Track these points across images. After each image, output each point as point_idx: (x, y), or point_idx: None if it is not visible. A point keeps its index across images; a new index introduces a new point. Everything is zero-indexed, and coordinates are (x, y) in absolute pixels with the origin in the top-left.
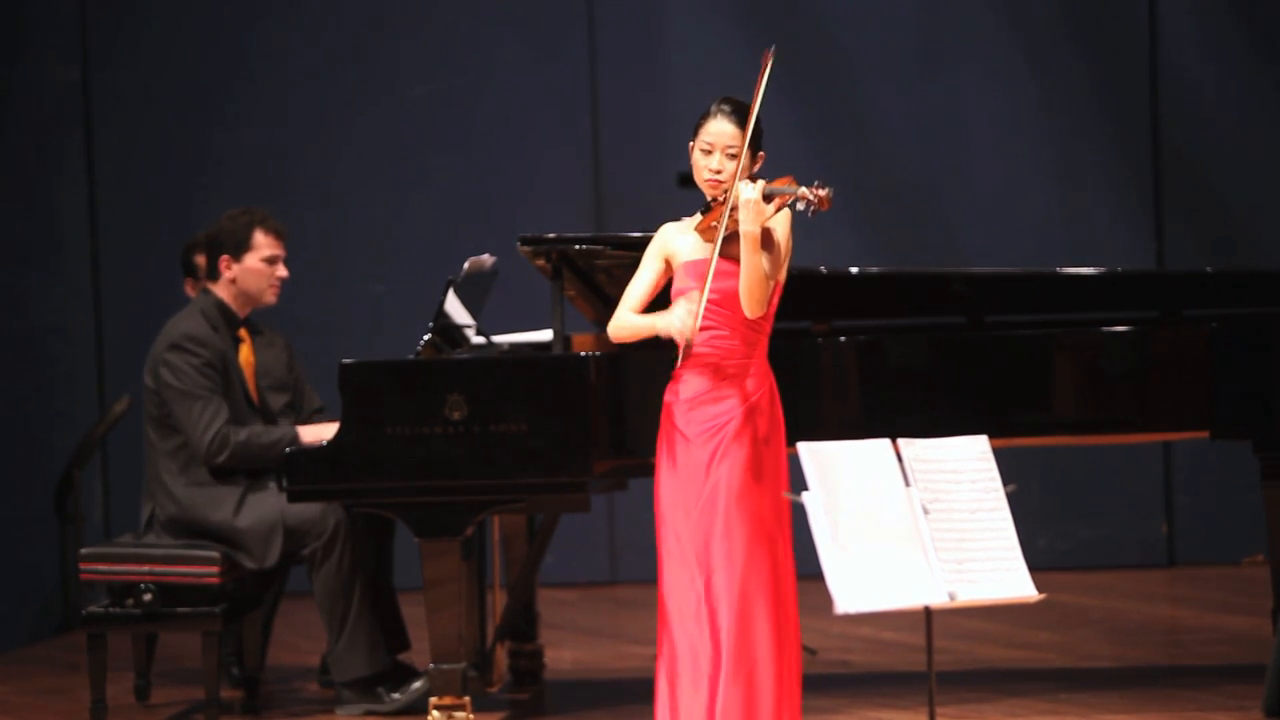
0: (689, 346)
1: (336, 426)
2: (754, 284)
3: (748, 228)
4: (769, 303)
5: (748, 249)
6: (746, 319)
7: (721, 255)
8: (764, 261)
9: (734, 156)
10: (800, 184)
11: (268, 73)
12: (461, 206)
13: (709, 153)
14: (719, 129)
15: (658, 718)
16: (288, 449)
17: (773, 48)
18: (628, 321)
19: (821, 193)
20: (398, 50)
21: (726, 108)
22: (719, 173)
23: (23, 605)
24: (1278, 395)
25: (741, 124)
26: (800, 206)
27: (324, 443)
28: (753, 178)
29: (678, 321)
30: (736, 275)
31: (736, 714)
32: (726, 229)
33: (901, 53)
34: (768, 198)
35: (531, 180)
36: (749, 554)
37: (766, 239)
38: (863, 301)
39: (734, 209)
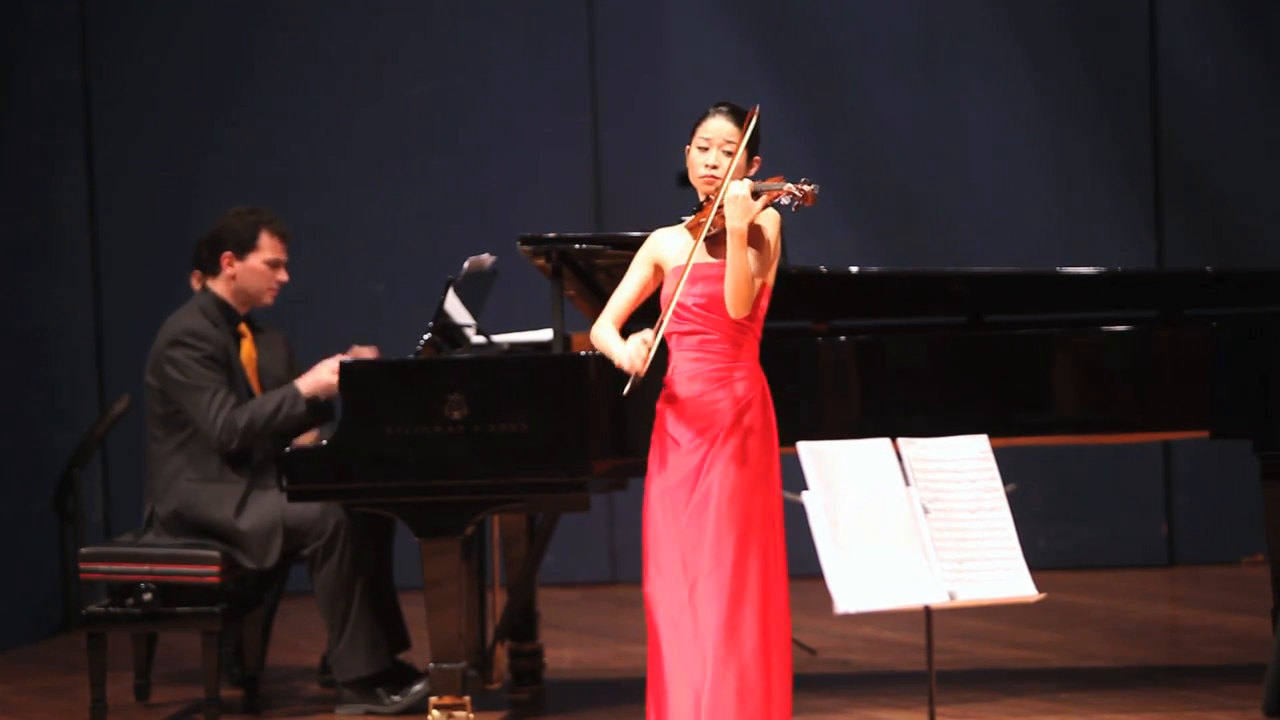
0: (637, 379)
1: (332, 364)
2: (740, 282)
3: (734, 224)
4: (756, 304)
5: (734, 245)
6: (734, 321)
7: (710, 257)
8: (751, 260)
9: (730, 154)
10: (788, 182)
11: (267, 72)
12: (461, 206)
13: (705, 149)
14: (717, 126)
15: None
16: (292, 410)
17: (757, 107)
18: (599, 335)
19: (807, 188)
20: (397, 49)
21: (724, 108)
22: (715, 168)
23: (23, 605)
24: (1278, 395)
25: (739, 123)
26: (785, 201)
27: (322, 388)
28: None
29: (628, 355)
30: (723, 278)
31: (725, 717)
32: (714, 226)
33: (901, 52)
34: (755, 195)
35: (531, 180)
36: (738, 557)
37: (756, 238)
38: (863, 301)
39: (722, 206)
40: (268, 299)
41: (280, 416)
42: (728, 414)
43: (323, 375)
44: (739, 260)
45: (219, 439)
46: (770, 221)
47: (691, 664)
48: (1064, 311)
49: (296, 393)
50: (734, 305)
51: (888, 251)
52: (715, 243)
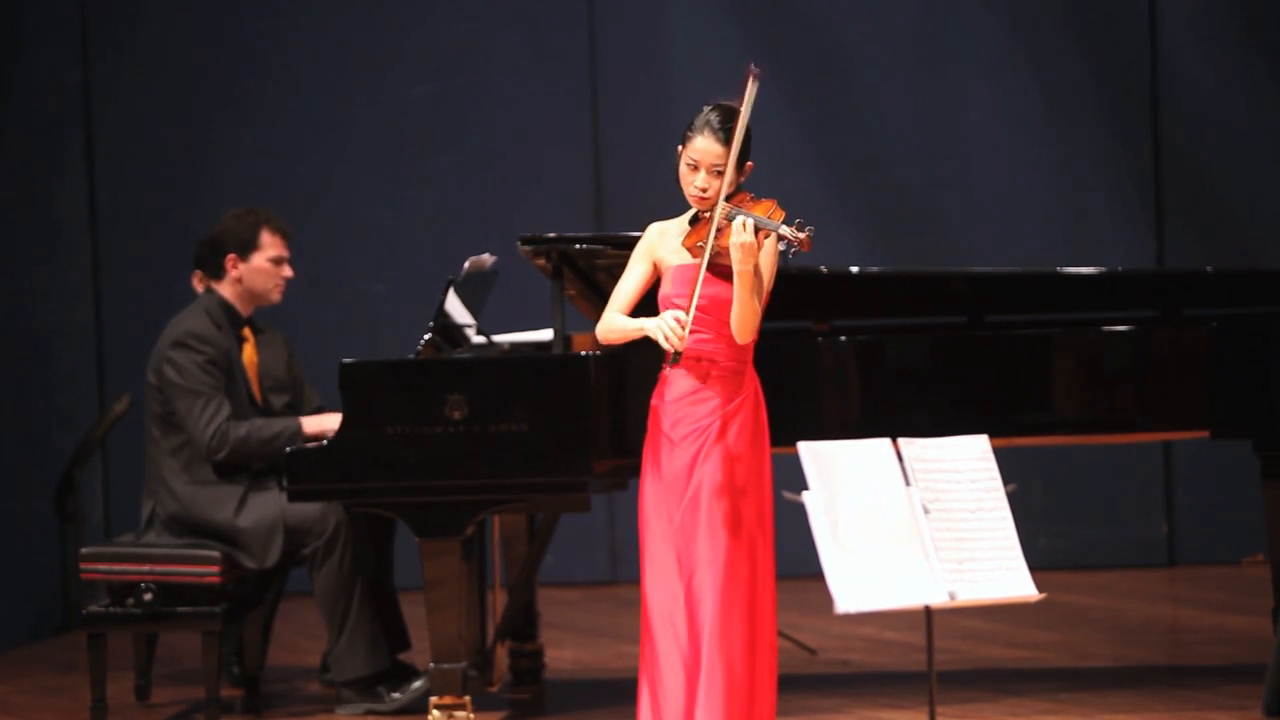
0: (678, 355)
1: (339, 417)
2: (746, 318)
3: (742, 268)
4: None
5: (741, 288)
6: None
7: (708, 265)
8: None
9: (720, 174)
10: (784, 214)
11: (267, 72)
12: (461, 206)
13: (695, 169)
14: (705, 147)
15: (639, 718)
16: (288, 444)
17: (753, 66)
18: (616, 323)
19: (802, 235)
20: (397, 49)
21: (715, 120)
22: (705, 190)
23: (23, 605)
24: (1278, 395)
25: (728, 142)
26: (781, 246)
27: (327, 434)
28: (738, 189)
29: (667, 327)
30: (723, 283)
31: (714, 715)
32: (713, 249)
33: (902, 52)
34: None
35: (531, 180)
36: (730, 556)
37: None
38: (863, 301)
39: (720, 230)
40: (275, 296)
41: (276, 445)
42: (720, 412)
43: (329, 424)
44: (746, 300)
45: (208, 447)
46: (767, 242)
47: (684, 660)
48: (1065, 311)
49: (298, 430)
50: (740, 335)
51: (888, 251)
52: (714, 255)
